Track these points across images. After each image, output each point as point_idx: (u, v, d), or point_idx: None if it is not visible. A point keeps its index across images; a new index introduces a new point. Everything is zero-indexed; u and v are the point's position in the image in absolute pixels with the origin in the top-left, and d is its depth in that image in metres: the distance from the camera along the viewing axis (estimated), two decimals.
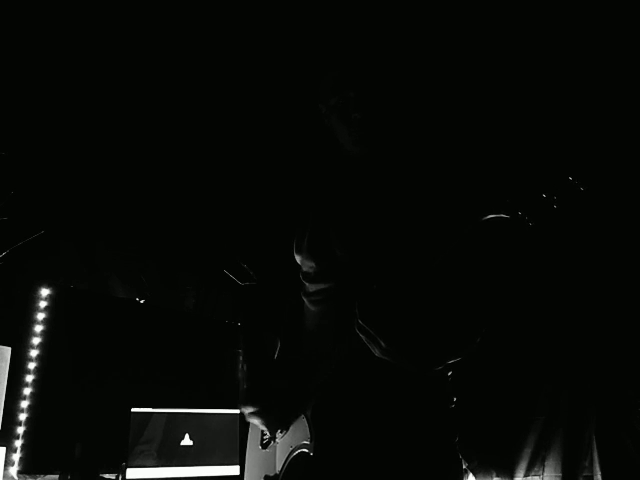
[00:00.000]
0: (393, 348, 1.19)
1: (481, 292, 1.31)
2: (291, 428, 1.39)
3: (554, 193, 1.10)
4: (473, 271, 1.30)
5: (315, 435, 1.28)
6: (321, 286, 1.48)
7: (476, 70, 2.98)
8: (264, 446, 1.49)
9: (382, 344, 1.19)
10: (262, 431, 1.52)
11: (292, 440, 1.36)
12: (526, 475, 3.77)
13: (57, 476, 3.41)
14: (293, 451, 1.34)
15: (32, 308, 3.60)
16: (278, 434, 1.44)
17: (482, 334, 1.32)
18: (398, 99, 1.51)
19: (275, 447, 1.45)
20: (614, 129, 2.98)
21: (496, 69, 2.95)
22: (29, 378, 3.48)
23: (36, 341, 3.55)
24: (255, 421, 1.43)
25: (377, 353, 1.21)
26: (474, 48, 2.88)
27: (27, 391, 3.45)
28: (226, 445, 3.94)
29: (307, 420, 1.32)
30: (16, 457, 3.32)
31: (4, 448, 3.22)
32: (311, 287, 1.53)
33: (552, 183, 1.10)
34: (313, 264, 1.52)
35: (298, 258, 1.59)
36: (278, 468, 1.38)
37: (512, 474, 3.78)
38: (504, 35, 2.82)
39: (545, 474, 3.75)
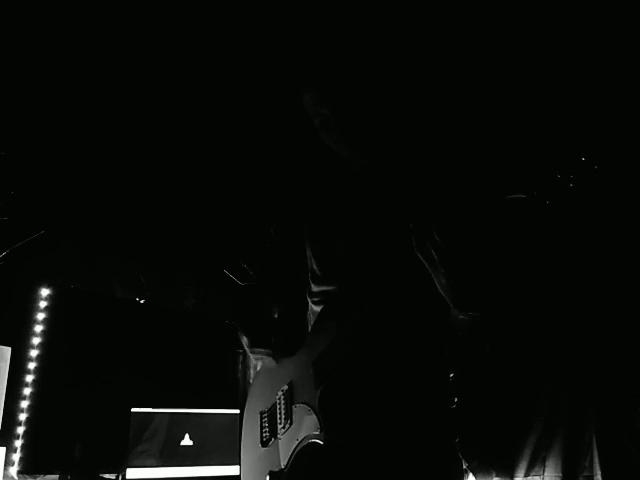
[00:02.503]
0: (448, 274, 1.22)
1: (495, 268, 1.33)
2: (295, 423, 1.40)
3: (569, 172, 1.11)
4: (488, 247, 1.31)
5: (325, 425, 1.29)
6: (323, 288, 1.51)
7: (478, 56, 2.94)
8: (264, 444, 1.50)
9: (440, 268, 1.22)
10: (262, 429, 1.53)
11: (297, 433, 1.37)
12: (526, 475, 3.77)
13: (57, 476, 3.42)
14: (300, 443, 1.35)
15: (32, 308, 3.60)
16: (280, 430, 1.45)
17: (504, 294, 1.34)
18: (379, 109, 1.47)
19: (277, 444, 1.45)
20: (625, 107, 2.94)
21: (502, 53, 2.91)
22: (29, 378, 3.48)
23: (36, 341, 3.55)
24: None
25: (432, 271, 1.24)
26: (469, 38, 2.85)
27: (27, 391, 3.45)
28: (226, 445, 3.94)
29: (314, 411, 1.33)
30: (16, 457, 3.32)
31: (4, 448, 3.22)
32: (314, 288, 1.55)
33: (566, 163, 1.12)
34: (316, 265, 1.53)
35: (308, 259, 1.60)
36: (283, 463, 1.39)
37: (512, 474, 3.78)
38: (500, 32, 2.81)
39: (545, 474, 3.74)
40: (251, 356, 1.61)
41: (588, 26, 2.72)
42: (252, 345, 1.52)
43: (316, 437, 1.30)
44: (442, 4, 2.72)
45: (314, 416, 1.32)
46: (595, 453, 3.62)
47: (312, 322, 1.53)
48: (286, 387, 1.47)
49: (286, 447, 1.40)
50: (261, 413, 1.56)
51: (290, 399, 1.44)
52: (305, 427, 1.35)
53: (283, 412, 1.45)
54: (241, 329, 1.54)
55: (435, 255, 1.21)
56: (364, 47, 1.59)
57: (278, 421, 1.47)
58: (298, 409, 1.40)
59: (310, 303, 1.56)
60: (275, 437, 1.47)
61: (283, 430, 1.43)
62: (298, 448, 1.35)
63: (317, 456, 1.30)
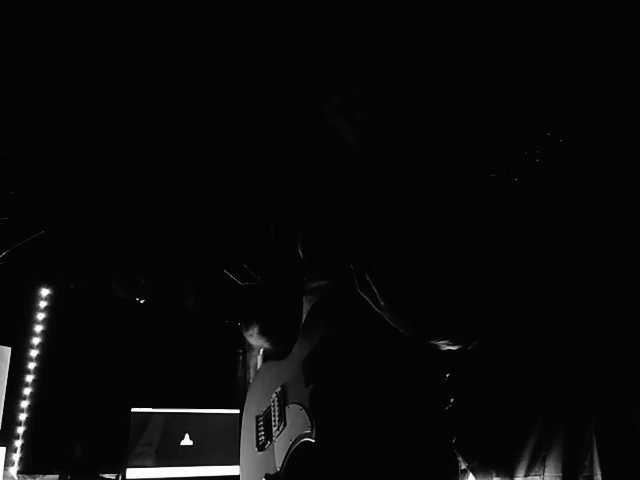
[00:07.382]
0: (393, 307, 1.21)
1: (470, 253, 1.31)
2: (288, 424, 1.39)
3: (535, 148, 1.12)
4: (463, 231, 1.30)
5: (316, 423, 1.28)
6: (316, 284, 1.49)
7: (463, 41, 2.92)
8: (260, 448, 1.49)
9: (382, 303, 1.21)
10: (257, 433, 1.52)
11: (291, 434, 1.36)
12: (526, 475, 3.76)
13: (57, 476, 3.42)
14: (294, 443, 1.34)
15: (32, 308, 3.61)
16: (275, 432, 1.44)
17: (479, 312, 1.31)
18: (403, 97, 1.48)
19: (272, 447, 1.45)
20: (587, 79, 2.91)
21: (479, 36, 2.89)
22: (29, 378, 3.48)
23: (36, 341, 3.55)
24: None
25: (378, 310, 1.23)
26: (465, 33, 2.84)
27: (27, 391, 3.45)
28: (226, 445, 3.94)
29: (305, 410, 1.32)
30: (16, 457, 3.33)
31: (4, 448, 3.22)
32: (308, 284, 1.54)
33: (532, 139, 1.12)
34: (310, 261, 1.53)
35: (302, 255, 1.60)
36: (278, 465, 1.38)
37: (512, 474, 3.78)
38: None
39: (545, 474, 3.74)
40: (253, 343, 1.61)
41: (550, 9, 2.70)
42: (262, 332, 1.54)
43: (307, 436, 1.29)
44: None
45: (305, 415, 1.31)
46: (595, 453, 3.62)
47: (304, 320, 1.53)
48: (279, 389, 1.46)
49: (281, 449, 1.39)
50: (257, 417, 1.55)
51: (283, 400, 1.43)
52: (298, 427, 1.34)
53: (277, 414, 1.44)
54: (252, 316, 1.55)
55: (375, 288, 1.20)
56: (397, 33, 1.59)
57: (273, 424, 1.45)
58: (291, 409, 1.39)
59: (304, 300, 1.54)
60: (271, 440, 1.45)
61: (278, 432, 1.42)
62: (292, 449, 1.34)
63: (311, 455, 1.29)
